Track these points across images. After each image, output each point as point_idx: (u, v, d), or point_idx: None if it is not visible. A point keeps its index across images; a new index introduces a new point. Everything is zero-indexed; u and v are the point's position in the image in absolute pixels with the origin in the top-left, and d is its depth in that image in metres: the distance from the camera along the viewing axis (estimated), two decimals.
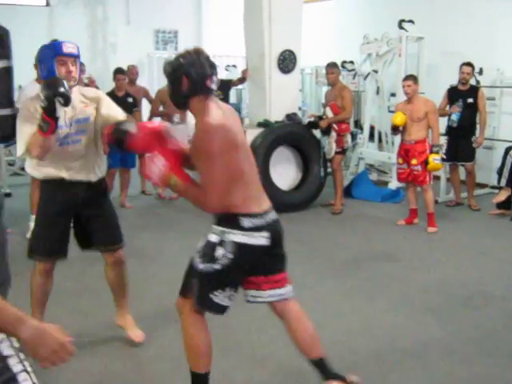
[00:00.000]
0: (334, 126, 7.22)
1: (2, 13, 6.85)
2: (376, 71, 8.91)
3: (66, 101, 3.10)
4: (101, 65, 11.53)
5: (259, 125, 7.51)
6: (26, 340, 1.68)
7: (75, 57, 3.46)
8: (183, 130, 8.34)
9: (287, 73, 7.64)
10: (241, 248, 2.81)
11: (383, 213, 7.40)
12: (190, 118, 9.13)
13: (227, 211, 2.83)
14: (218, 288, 2.85)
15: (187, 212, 7.63)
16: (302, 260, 5.63)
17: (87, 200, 3.35)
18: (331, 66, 7.41)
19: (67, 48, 3.41)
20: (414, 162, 6.50)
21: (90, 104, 3.51)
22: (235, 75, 11.04)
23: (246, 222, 2.84)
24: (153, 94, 8.66)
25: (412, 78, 6.58)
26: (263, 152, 7.19)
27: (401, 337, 3.97)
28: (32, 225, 6.31)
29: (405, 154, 6.60)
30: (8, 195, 8.42)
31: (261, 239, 2.87)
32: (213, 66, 2.78)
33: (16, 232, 6.54)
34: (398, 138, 7.83)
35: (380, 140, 9.22)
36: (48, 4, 12.29)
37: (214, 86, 2.80)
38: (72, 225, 3.68)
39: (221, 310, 2.93)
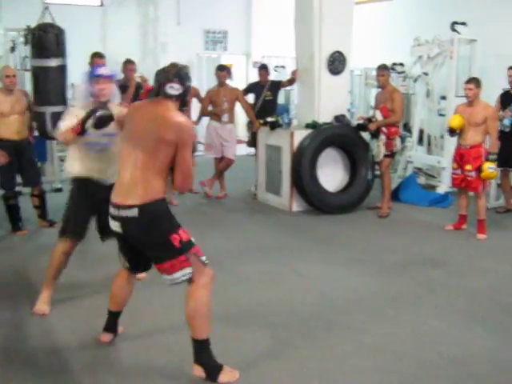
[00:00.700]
0: (384, 128, 7.15)
1: (58, 13, 6.95)
2: (426, 74, 8.79)
3: (96, 124, 3.95)
4: (151, 64, 11.65)
5: (307, 126, 7.50)
6: None
7: (107, 77, 4.22)
8: (231, 129, 8.42)
9: (337, 74, 7.60)
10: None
11: (431, 217, 7.29)
12: (239, 117, 9.16)
13: None
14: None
15: (234, 211, 7.69)
16: (347, 262, 5.60)
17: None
18: (381, 68, 7.33)
19: (99, 71, 4.26)
20: (468, 167, 6.33)
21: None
22: (284, 76, 11.05)
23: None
24: (202, 94, 8.72)
25: (474, 82, 6.39)
26: (311, 153, 7.18)
27: (447, 344, 3.90)
28: None
29: (459, 158, 6.46)
30: (59, 190, 8.60)
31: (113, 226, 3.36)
32: (176, 75, 3.30)
33: None
34: (450, 142, 7.73)
35: (429, 143, 9.09)
36: (102, 4, 12.51)
37: (170, 91, 3.29)
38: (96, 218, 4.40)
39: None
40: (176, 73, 3.30)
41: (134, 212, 3.19)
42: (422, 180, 8.93)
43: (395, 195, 8.00)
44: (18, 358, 3.63)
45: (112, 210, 3.31)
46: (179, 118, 3.24)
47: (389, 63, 8.28)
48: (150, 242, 3.27)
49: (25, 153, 6.37)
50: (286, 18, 9.89)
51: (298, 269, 5.41)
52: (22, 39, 8.37)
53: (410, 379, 3.45)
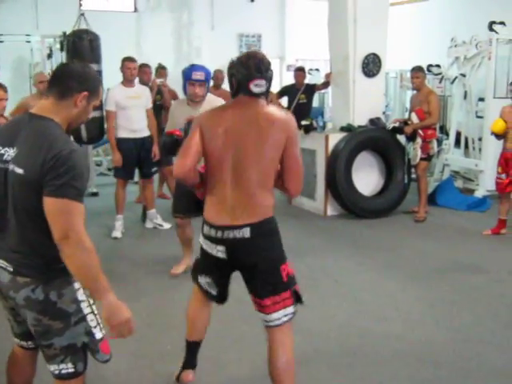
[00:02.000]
0: (420, 131, 7.02)
1: (93, 19, 7.05)
2: (464, 75, 8.63)
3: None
4: None
5: (342, 129, 7.42)
6: (104, 307, 2.17)
7: (201, 81, 4.72)
8: None
9: (371, 77, 7.51)
10: (202, 248, 2.94)
11: (469, 222, 7.14)
12: None
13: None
14: (199, 271, 3.02)
15: None
16: (383, 268, 5.51)
17: None
18: (416, 70, 7.21)
19: (195, 76, 4.70)
20: None
21: None
22: (318, 79, 11.00)
23: (205, 228, 2.87)
24: None
25: None
26: (345, 157, 7.10)
27: (487, 353, 3.79)
28: (118, 224, 6.53)
29: (505, 163, 6.30)
30: (95, 194, 8.69)
31: (214, 250, 2.82)
32: (259, 70, 2.74)
33: (100, 231, 6.74)
34: (488, 145, 7.59)
35: (466, 146, 8.91)
36: (136, 10, 12.64)
37: (256, 89, 2.75)
38: None
39: (205, 293, 3.03)
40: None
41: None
42: (459, 183, 8.75)
43: (432, 199, 7.85)
44: None
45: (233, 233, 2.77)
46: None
47: (425, 65, 8.16)
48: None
49: None
50: (319, 21, 9.84)
51: (332, 274, 5.35)
52: (58, 46, 8.49)
53: None
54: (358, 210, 7.24)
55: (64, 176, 2.11)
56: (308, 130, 7.54)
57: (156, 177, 7.14)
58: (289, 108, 8.55)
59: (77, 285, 2.29)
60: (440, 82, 9.34)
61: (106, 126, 6.62)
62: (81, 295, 2.31)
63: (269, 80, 2.81)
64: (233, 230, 2.71)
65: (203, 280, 2.98)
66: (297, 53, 13.98)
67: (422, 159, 7.11)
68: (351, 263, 5.66)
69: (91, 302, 2.34)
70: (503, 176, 6.32)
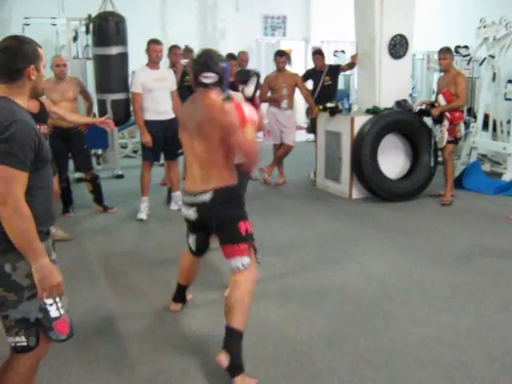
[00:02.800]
0: (447, 114, 6.92)
1: (118, 1, 7.05)
2: (493, 56, 8.47)
3: None
4: None
5: (368, 111, 7.35)
6: (36, 270, 2.30)
7: None
8: (290, 115, 8.34)
9: (398, 58, 7.41)
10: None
11: (496, 206, 7.05)
12: (298, 103, 9.11)
13: None
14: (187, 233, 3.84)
15: (293, 198, 7.64)
16: (408, 251, 5.47)
17: None
18: (444, 52, 7.08)
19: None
20: None
21: None
22: (343, 61, 10.88)
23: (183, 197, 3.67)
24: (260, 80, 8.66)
25: None
26: (371, 139, 7.04)
27: None
28: (143, 206, 6.58)
29: None
30: (120, 176, 8.76)
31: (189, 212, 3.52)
32: (207, 65, 3.37)
33: (125, 213, 6.79)
34: None
35: (495, 129, 8.77)
36: None
37: (205, 80, 3.39)
38: None
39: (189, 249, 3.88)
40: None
41: None
42: (486, 167, 8.63)
43: (459, 182, 7.76)
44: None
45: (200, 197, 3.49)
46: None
47: (453, 46, 8.02)
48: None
49: (72, 139, 6.43)
50: (345, 2, 9.72)
51: (357, 257, 5.33)
52: (83, 28, 8.51)
53: (474, 374, 3.33)
54: (384, 193, 7.19)
55: (2, 145, 2.23)
56: (333, 112, 7.48)
57: (181, 159, 7.15)
58: (314, 91, 8.49)
59: None
60: (468, 63, 9.19)
61: (131, 108, 6.64)
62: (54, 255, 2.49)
63: (219, 72, 3.38)
64: (198, 195, 3.38)
65: (189, 239, 3.80)
66: (322, 35, 13.85)
67: (448, 142, 7.01)
68: (376, 246, 5.63)
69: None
70: None
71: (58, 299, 2.44)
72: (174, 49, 7.59)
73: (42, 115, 5.39)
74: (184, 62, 7.55)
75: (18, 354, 2.48)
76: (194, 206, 3.43)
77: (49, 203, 2.47)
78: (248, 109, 3.34)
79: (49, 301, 2.41)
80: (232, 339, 3.23)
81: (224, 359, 3.19)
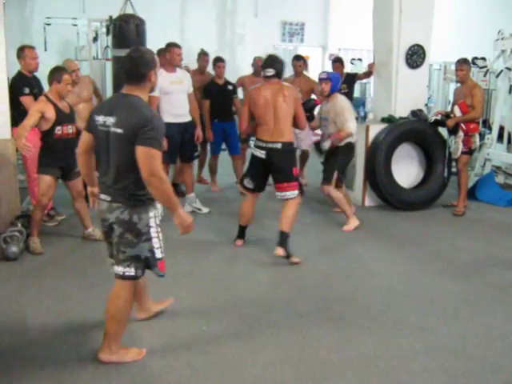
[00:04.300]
0: (462, 125, 6.94)
1: (139, 4, 7.15)
2: (510, 69, 8.47)
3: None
4: (228, 56, 11.77)
5: (383, 120, 7.39)
6: (176, 216, 3.24)
7: (324, 79, 6.25)
8: None
9: (415, 68, 7.45)
10: (252, 155, 5.51)
11: (508, 218, 7.05)
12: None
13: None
14: (244, 177, 5.63)
15: (305, 203, 7.67)
16: (419, 260, 5.50)
17: None
18: (461, 63, 7.11)
19: (320, 75, 6.38)
20: None
21: None
22: (360, 69, 10.92)
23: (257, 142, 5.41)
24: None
25: None
26: (386, 148, 7.06)
27: None
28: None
29: None
30: None
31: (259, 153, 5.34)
32: (268, 64, 5.39)
33: None
34: None
35: (509, 141, 8.77)
36: None
37: (267, 74, 5.33)
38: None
39: (247, 189, 5.57)
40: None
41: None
42: (500, 179, 8.63)
43: (472, 194, 7.77)
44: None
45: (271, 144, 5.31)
46: None
47: (470, 57, 8.04)
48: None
49: None
50: (363, 10, 9.77)
51: (368, 264, 5.36)
52: (104, 29, 8.62)
53: (480, 383, 3.36)
54: (396, 201, 7.22)
55: (149, 132, 3.09)
56: None
57: (195, 162, 7.23)
58: None
59: (151, 214, 3.30)
60: (485, 75, 9.20)
61: None
62: (152, 222, 3.32)
63: (278, 68, 5.33)
64: (271, 143, 5.23)
65: (246, 181, 5.49)
66: (339, 42, 13.90)
67: (463, 153, 7.03)
68: (387, 254, 5.67)
69: (159, 230, 3.36)
70: None
71: (162, 244, 3.36)
72: (203, 56, 7.86)
73: (72, 116, 5.52)
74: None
75: (123, 280, 3.34)
76: (266, 149, 5.23)
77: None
78: None
79: (156, 244, 3.31)
80: (283, 238, 5.18)
81: (281, 251, 5.15)
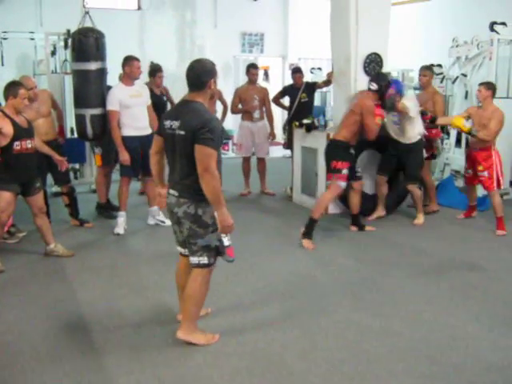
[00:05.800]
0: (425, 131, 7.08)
1: (97, 17, 7.07)
2: (465, 75, 8.67)
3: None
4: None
5: None
6: (219, 215, 3.51)
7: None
8: (263, 125, 8.52)
9: None
10: None
11: (468, 221, 7.19)
12: (275, 120, 9.19)
13: None
14: None
15: (268, 212, 7.69)
16: (381, 264, 5.57)
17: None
18: (425, 69, 7.39)
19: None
20: (480, 168, 6.75)
21: None
22: (320, 78, 11.02)
23: None
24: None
25: (484, 85, 6.72)
26: None
27: (484, 349, 3.84)
28: (120, 221, 6.58)
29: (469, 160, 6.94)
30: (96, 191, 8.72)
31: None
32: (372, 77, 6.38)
33: (102, 228, 6.78)
34: None
35: (467, 145, 8.93)
36: (139, 8, 12.69)
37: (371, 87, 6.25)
38: None
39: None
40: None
41: None
42: (459, 183, 8.79)
43: None
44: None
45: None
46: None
47: (426, 64, 8.19)
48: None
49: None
50: (322, 21, 9.87)
51: (331, 270, 5.41)
52: (62, 43, 8.53)
53: None
54: (361, 208, 7.26)
55: (207, 133, 3.44)
56: (309, 128, 7.59)
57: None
58: (291, 107, 8.61)
59: None
60: (441, 81, 9.37)
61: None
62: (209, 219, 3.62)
63: (380, 85, 6.24)
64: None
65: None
66: (299, 52, 14.01)
67: (425, 158, 7.20)
68: (350, 260, 5.72)
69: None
70: (469, 171, 6.98)
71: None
72: (158, 72, 8.04)
73: (31, 130, 5.44)
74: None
75: (199, 268, 3.71)
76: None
77: (220, 171, 3.57)
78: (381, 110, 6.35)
79: (223, 234, 3.61)
80: (311, 224, 6.10)
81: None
